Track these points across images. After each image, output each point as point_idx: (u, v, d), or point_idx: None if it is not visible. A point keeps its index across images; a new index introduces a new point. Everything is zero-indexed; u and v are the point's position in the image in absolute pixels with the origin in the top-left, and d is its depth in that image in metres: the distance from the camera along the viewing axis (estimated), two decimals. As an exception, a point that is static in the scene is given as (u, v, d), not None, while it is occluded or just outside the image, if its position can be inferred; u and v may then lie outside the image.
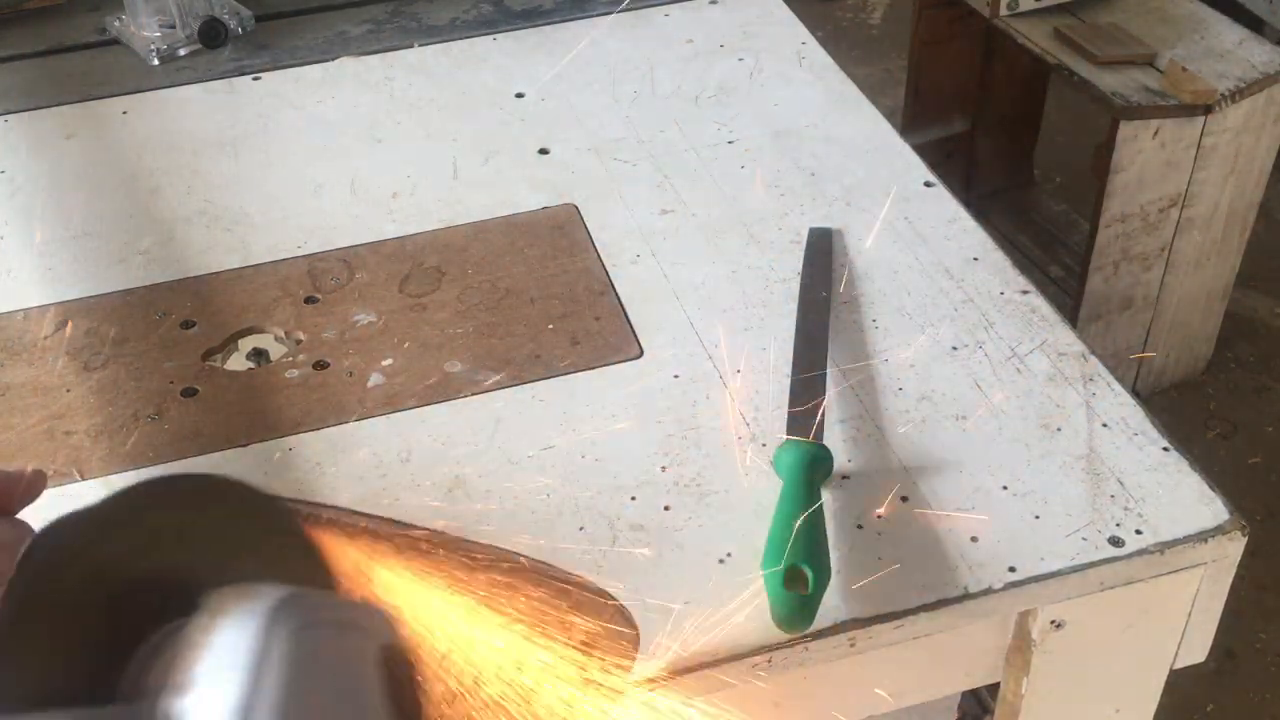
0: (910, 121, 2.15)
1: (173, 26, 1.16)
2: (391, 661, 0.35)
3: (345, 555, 0.41)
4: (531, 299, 0.84)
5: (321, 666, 0.32)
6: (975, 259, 0.87)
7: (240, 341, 0.82)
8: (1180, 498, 0.68)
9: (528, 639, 0.53)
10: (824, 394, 0.75)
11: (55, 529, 0.32)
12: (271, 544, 0.37)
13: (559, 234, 0.91)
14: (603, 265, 0.87)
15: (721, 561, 0.66)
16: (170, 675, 0.31)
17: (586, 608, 0.52)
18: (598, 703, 0.55)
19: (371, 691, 0.33)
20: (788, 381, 0.77)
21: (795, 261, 0.87)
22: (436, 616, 0.48)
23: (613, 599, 0.53)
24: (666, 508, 0.69)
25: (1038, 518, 0.68)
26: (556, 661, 0.53)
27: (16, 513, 0.49)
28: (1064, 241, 2.18)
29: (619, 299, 0.84)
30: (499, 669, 0.50)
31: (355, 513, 0.39)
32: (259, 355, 0.81)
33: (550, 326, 0.82)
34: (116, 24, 1.17)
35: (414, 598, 0.47)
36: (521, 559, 0.49)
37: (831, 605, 0.63)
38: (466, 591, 0.50)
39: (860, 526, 0.67)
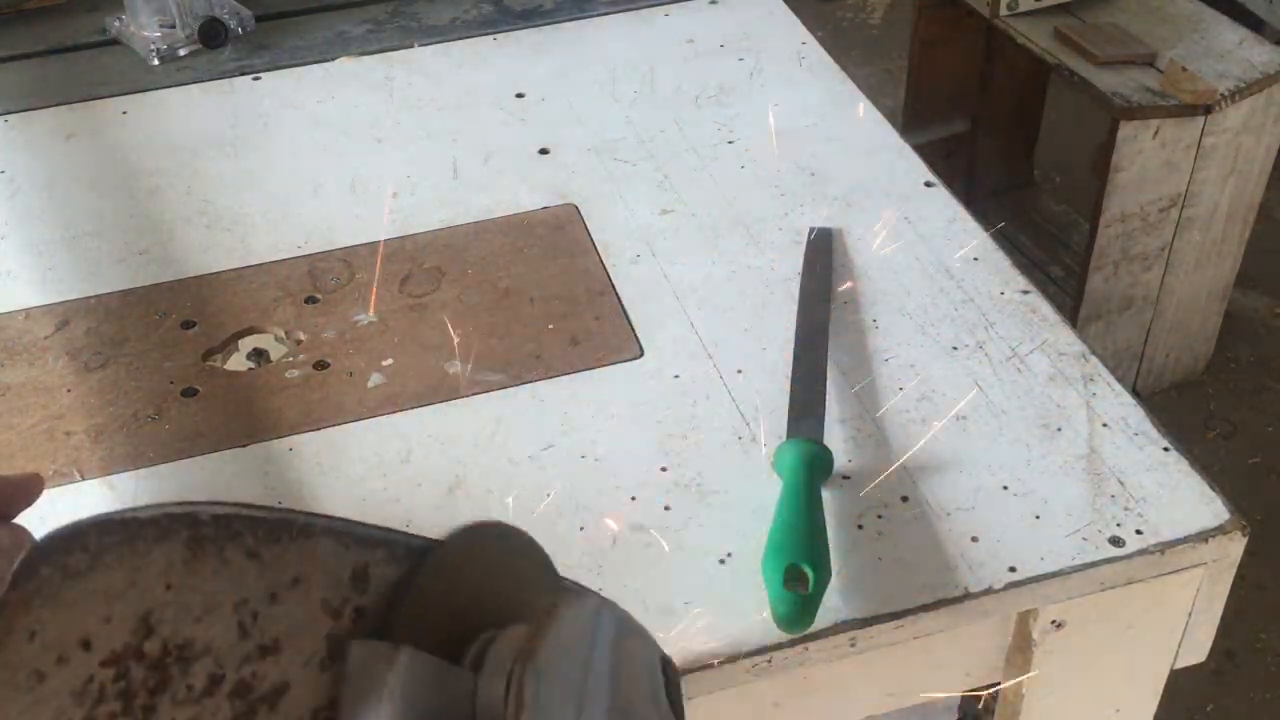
0: (910, 121, 2.15)
1: (173, 26, 1.16)
2: (666, 664, 0.40)
3: None
4: (531, 299, 0.84)
5: (632, 654, 0.37)
6: (975, 259, 0.87)
7: (240, 341, 0.82)
8: (1180, 498, 0.68)
9: None
10: (824, 394, 0.75)
11: (419, 554, 0.39)
12: (541, 578, 0.44)
13: (559, 234, 0.91)
14: (603, 265, 0.87)
15: (721, 561, 0.66)
16: (515, 650, 0.36)
17: None
18: None
19: (661, 689, 0.39)
20: (788, 381, 0.77)
21: (795, 261, 0.87)
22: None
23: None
24: (666, 508, 0.69)
25: (1038, 518, 0.68)
26: None
27: (14, 518, 0.49)
28: (1064, 241, 2.18)
29: (619, 299, 0.84)
30: None
31: (350, 521, 0.39)
32: (259, 355, 0.81)
33: (550, 326, 0.82)
34: (116, 24, 1.18)
35: None
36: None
37: (831, 605, 0.63)
38: None
39: (860, 526, 0.67)
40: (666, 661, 0.40)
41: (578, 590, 0.45)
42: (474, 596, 0.41)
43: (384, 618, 0.38)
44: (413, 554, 0.41)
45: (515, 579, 0.43)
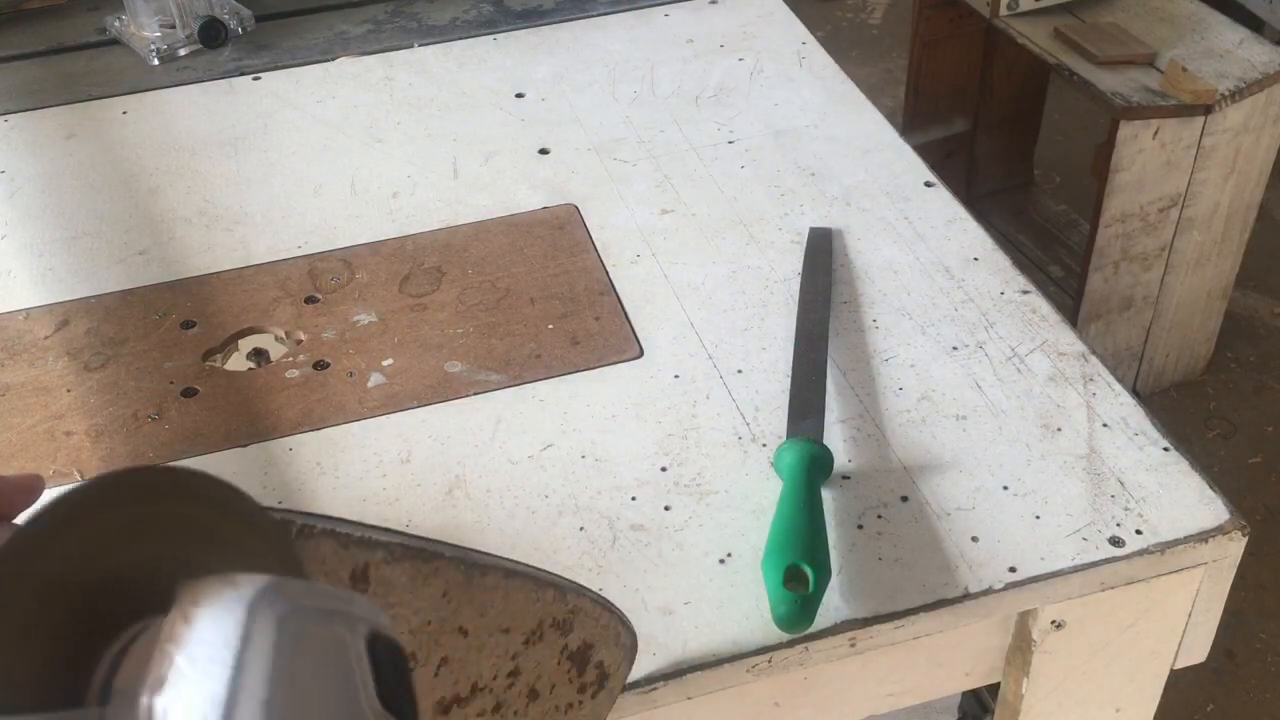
0: (910, 121, 2.15)
1: (173, 26, 1.16)
2: (380, 650, 0.33)
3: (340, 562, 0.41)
4: (531, 299, 0.84)
5: (308, 654, 0.30)
6: (975, 259, 0.87)
7: (240, 341, 0.82)
8: (1180, 498, 0.69)
9: (524, 646, 0.53)
10: (824, 394, 0.75)
11: (17, 530, 0.30)
12: (242, 538, 0.35)
13: (559, 234, 0.91)
14: (603, 265, 0.87)
15: (721, 561, 0.66)
16: (144, 673, 0.29)
17: (584, 615, 0.52)
18: (594, 710, 0.55)
19: (361, 680, 0.32)
20: (788, 381, 0.77)
21: (795, 261, 0.87)
22: (434, 621, 0.48)
23: (614, 608, 0.53)
24: (666, 508, 0.69)
25: (1038, 518, 0.68)
26: (552, 670, 0.53)
27: (14, 518, 0.49)
28: (1064, 241, 2.18)
29: (619, 299, 0.84)
30: (494, 677, 0.50)
31: (348, 521, 0.39)
32: (259, 355, 0.81)
33: (550, 326, 0.82)
34: (116, 24, 1.18)
35: (411, 603, 0.47)
36: (521, 565, 0.50)
37: (831, 605, 0.63)
38: (464, 597, 0.50)
39: (860, 526, 0.67)
40: (378, 644, 0.32)
41: (260, 566, 0.34)
42: (107, 577, 0.32)
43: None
44: (412, 554, 0.41)
45: (179, 543, 0.33)
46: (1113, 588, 0.66)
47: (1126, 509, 0.68)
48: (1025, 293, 0.83)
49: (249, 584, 0.30)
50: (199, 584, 0.30)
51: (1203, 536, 0.66)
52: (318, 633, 0.30)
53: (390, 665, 0.32)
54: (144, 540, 0.32)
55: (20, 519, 0.33)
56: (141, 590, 0.31)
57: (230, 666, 0.28)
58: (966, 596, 0.64)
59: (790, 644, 0.62)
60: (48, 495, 0.50)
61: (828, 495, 0.69)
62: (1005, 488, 0.70)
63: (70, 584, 0.30)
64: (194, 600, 0.29)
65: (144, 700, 0.28)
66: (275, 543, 0.36)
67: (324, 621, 0.31)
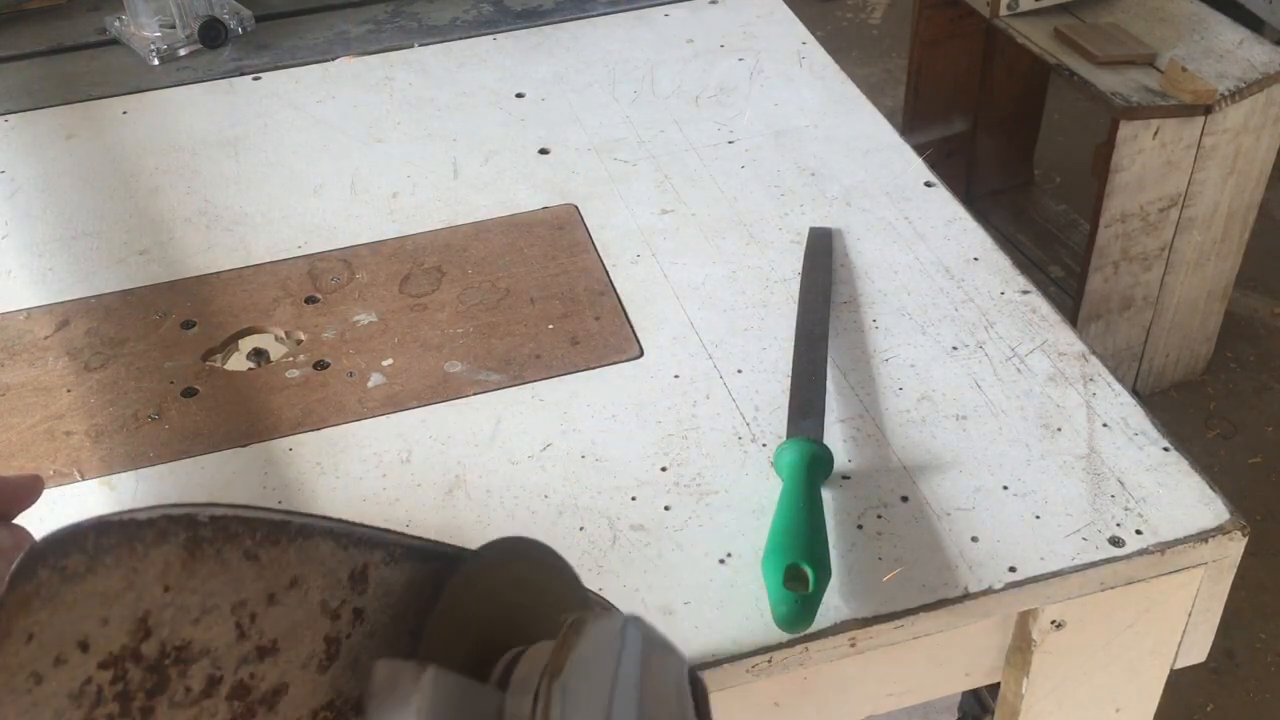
0: (910, 121, 2.15)
1: (173, 26, 1.16)
2: (695, 681, 0.40)
3: None
4: (531, 299, 0.84)
5: (659, 672, 0.37)
6: (975, 259, 0.87)
7: (240, 341, 0.82)
8: (1180, 498, 0.69)
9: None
10: (824, 394, 0.75)
11: (456, 577, 0.40)
12: (570, 593, 0.45)
13: (559, 234, 0.91)
14: (603, 265, 0.87)
15: (721, 561, 0.66)
16: (535, 671, 0.37)
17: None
18: None
19: (689, 707, 0.39)
20: (788, 381, 0.77)
21: (795, 261, 0.87)
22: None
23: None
24: (666, 508, 0.69)
25: (1038, 518, 0.68)
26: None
27: (14, 518, 0.49)
28: (1064, 241, 2.18)
29: (619, 299, 0.84)
30: None
31: (348, 522, 0.39)
32: (259, 355, 0.81)
33: (550, 326, 0.82)
34: (116, 24, 1.18)
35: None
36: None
37: (831, 605, 0.63)
38: None
39: (860, 526, 0.67)
40: (695, 678, 0.40)
41: (605, 606, 0.45)
42: (501, 613, 0.41)
43: (412, 634, 0.38)
44: (412, 555, 0.41)
45: (542, 595, 0.43)
46: (1113, 588, 0.66)
47: (1126, 509, 0.68)
48: (1025, 293, 0.83)
49: (619, 613, 0.40)
50: (583, 611, 0.40)
51: (1203, 536, 0.66)
52: (663, 657, 0.38)
53: (701, 696, 0.40)
54: (519, 590, 0.42)
55: (46, 524, 0.35)
56: (521, 625, 0.41)
57: (613, 662, 0.36)
58: (966, 596, 0.64)
59: (790, 644, 0.62)
60: (48, 495, 0.50)
61: (828, 495, 0.69)
62: (1005, 488, 0.70)
63: (484, 608, 0.41)
64: (582, 618, 0.37)
65: (543, 683, 0.35)
66: (585, 598, 0.46)
67: (667, 650, 0.39)
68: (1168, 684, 0.74)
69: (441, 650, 0.38)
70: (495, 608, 0.41)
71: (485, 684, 0.39)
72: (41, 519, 0.44)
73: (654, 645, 0.38)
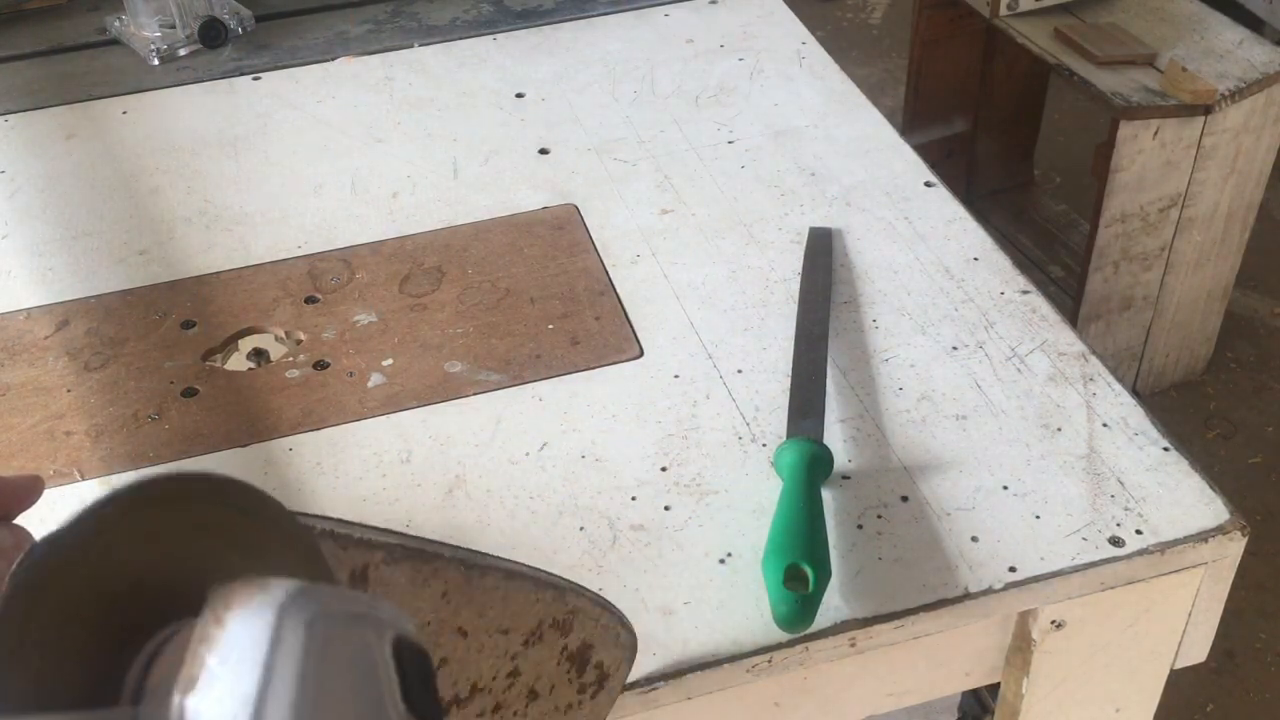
0: (910, 121, 2.15)
1: (173, 26, 1.16)
2: (405, 654, 0.33)
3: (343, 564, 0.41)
4: (531, 299, 0.84)
5: (336, 658, 0.31)
6: (975, 259, 0.87)
7: (240, 341, 0.82)
8: (1180, 498, 0.69)
9: (524, 647, 0.53)
10: (824, 394, 0.75)
11: (55, 533, 0.31)
12: (270, 542, 0.36)
13: (559, 234, 0.91)
14: (603, 265, 0.87)
15: (721, 561, 0.66)
16: (176, 674, 0.30)
17: (584, 616, 0.52)
18: (593, 710, 0.55)
19: (387, 684, 0.32)
20: (788, 381, 0.77)
21: (795, 261, 0.87)
22: (433, 622, 0.48)
23: (614, 608, 0.53)
24: (666, 508, 0.69)
25: (1038, 518, 0.68)
26: (552, 671, 0.53)
27: (14, 518, 0.49)
28: (1064, 241, 2.18)
29: (619, 299, 0.84)
30: (494, 678, 0.50)
31: (348, 522, 0.39)
32: (259, 355, 0.81)
33: (550, 326, 0.82)
34: (116, 24, 1.18)
35: (411, 604, 0.47)
36: (521, 566, 0.50)
37: (831, 605, 0.63)
38: (463, 598, 0.50)
39: (860, 526, 0.67)
40: (404, 648, 0.33)
41: (288, 570, 0.35)
42: (142, 577, 0.33)
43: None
44: (412, 555, 0.40)
45: (204, 552, 0.34)
46: (1113, 588, 0.66)
47: (1126, 509, 0.68)
48: (1025, 293, 0.83)
49: (279, 588, 0.31)
50: (231, 587, 0.31)
51: (1203, 536, 0.66)
52: (345, 636, 0.31)
53: (415, 669, 0.33)
54: (175, 545, 0.33)
55: (46, 524, 0.33)
56: (173, 594, 0.32)
57: (261, 668, 0.29)
58: (966, 596, 0.64)
59: (790, 644, 0.62)
60: (48, 495, 0.50)
61: (828, 495, 0.69)
62: (1005, 488, 0.70)
63: (103, 588, 0.31)
64: (225, 603, 0.30)
65: (176, 699, 0.28)
66: (303, 548, 0.36)
67: (351, 625, 0.32)
68: (1168, 684, 0.74)
69: (50, 643, 0.30)
70: (127, 575, 0.32)
71: (118, 697, 0.32)
72: (42, 519, 0.44)
73: (333, 620, 0.31)
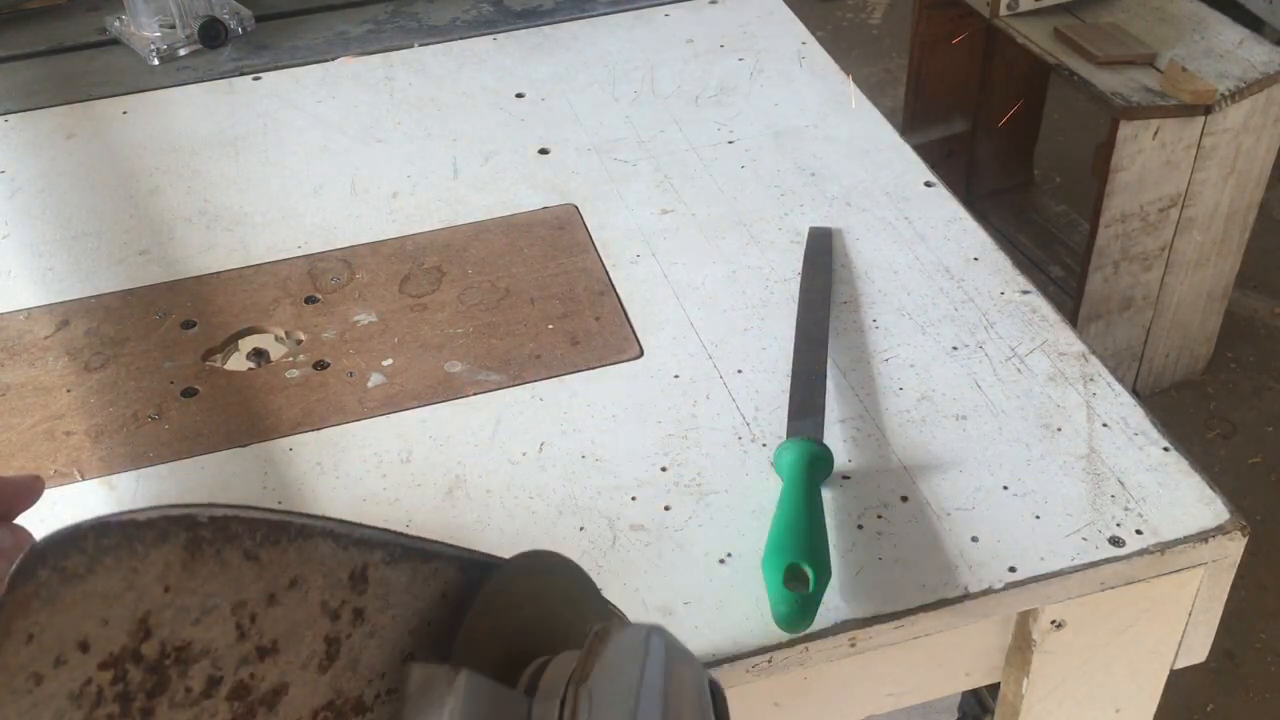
0: (910, 121, 2.15)
1: (173, 26, 1.16)
2: (715, 690, 0.41)
3: None
4: (531, 299, 0.84)
5: (681, 678, 0.39)
6: (975, 259, 0.87)
7: (240, 341, 0.82)
8: (1180, 498, 0.69)
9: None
10: (824, 394, 0.75)
11: (489, 584, 0.42)
12: (599, 603, 0.47)
13: (559, 234, 0.91)
14: (603, 265, 0.87)
15: (721, 561, 0.66)
16: (563, 677, 0.38)
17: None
18: None
19: (708, 706, 0.40)
20: (788, 381, 0.77)
21: (795, 261, 0.87)
22: (433, 622, 0.48)
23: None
24: (666, 508, 0.69)
25: (1038, 518, 0.68)
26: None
27: (14, 518, 0.49)
28: (1064, 241, 2.18)
29: (619, 299, 0.84)
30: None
31: (348, 523, 0.39)
32: (259, 355, 0.81)
33: (550, 326, 0.82)
34: (116, 24, 1.18)
35: (411, 602, 0.47)
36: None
37: (831, 605, 0.63)
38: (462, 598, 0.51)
39: (860, 526, 0.67)
40: (714, 685, 0.41)
41: (623, 619, 0.47)
42: (529, 622, 0.43)
43: (445, 641, 0.40)
44: (412, 555, 0.41)
45: (568, 607, 0.44)
46: (1113, 588, 0.66)
47: (1126, 509, 0.68)
48: (1025, 293, 0.83)
49: (641, 625, 0.40)
50: (608, 620, 0.41)
51: (1203, 536, 0.66)
52: (684, 664, 0.39)
53: (722, 704, 0.42)
54: (546, 601, 0.44)
55: (46, 524, 0.35)
56: (540, 636, 0.42)
57: (638, 670, 0.37)
58: (966, 596, 0.64)
59: (790, 644, 0.62)
60: (48, 495, 0.50)
61: (828, 495, 0.69)
62: (1005, 488, 0.70)
63: (510, 618, 0.42)
64: (607, 629, 0.39)
65: (570, 689, 0.36)
66: (610, 612, 0.48)
67: (687, 660, 0.40)
68: (1168, 684, 0.74)
69: (473, 656, 0.39)
70: (524, 617, 0.42)
71: (514, 690, 0.40)
72: (42, 519, 0.44)
73: (676, 654, 0.39)
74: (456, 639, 0.39)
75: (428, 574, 0.41)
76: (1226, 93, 1.63)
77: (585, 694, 0.36)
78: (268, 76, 1.12)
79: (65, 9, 1.23)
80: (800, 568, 0.61)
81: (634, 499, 0.70)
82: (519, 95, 1.08)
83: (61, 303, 0.86)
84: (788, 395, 0.76)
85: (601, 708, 0.36)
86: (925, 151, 0.99)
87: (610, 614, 0.47)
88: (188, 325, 0.83)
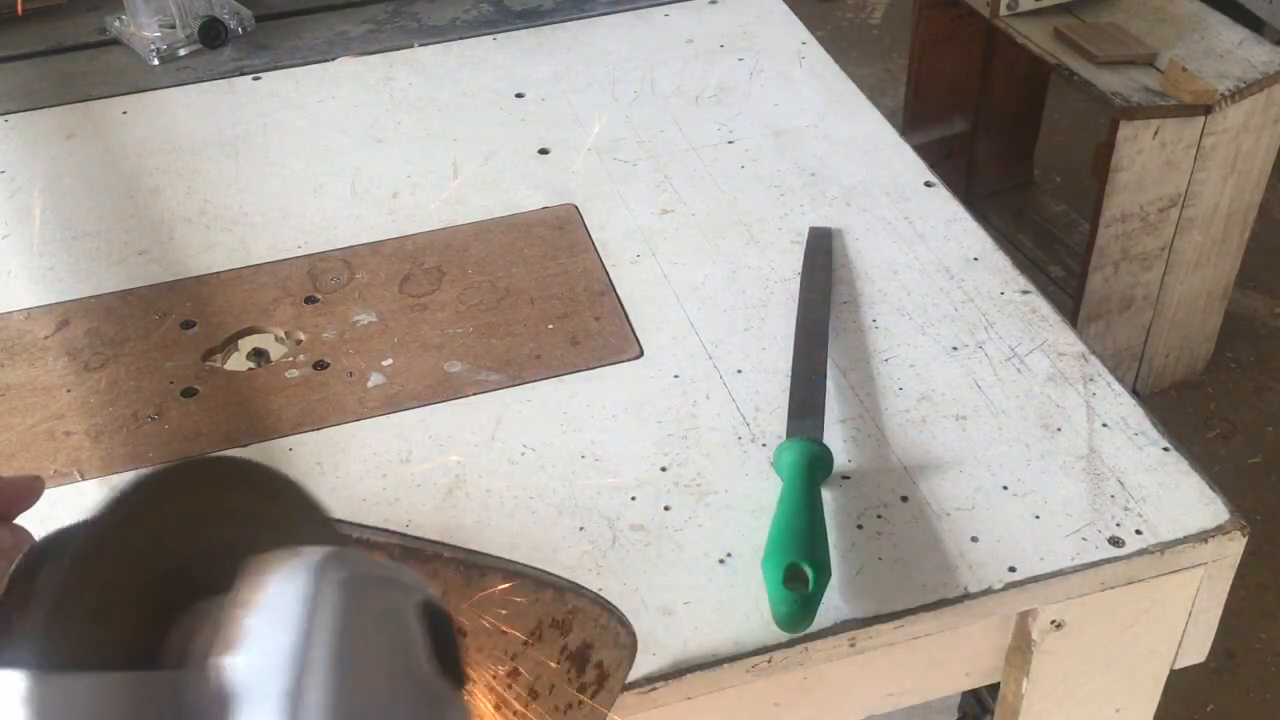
0: (910, 121, 2.15)
1: (173, 26, 1.16)
2: (431, 616, 0.35)
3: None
4: (531, 299, 0.84)
5: (368, 616, 0.32)
6: (975, 259, 0.87)
7: (240, 341, 0.82)
8: (1180, 498, 0.68)
9: (523, 647, 0.53)
10: (824, 394, 0.75)
11: (93, 518, 0.32)
12: (295, 519, 0.38)
13: (559, 234, 0.91)
14: (603, 265, 0.87)
15: (721, 561, 0.66)
16: (215, 638, 0.31)
17: (584, 616, 0.52)
18: (593, 710, 0.55)
19: (415, 642, 0.34)
20: (788, 381, 0.77)
21: (795, 261, 0.87)
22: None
23: (614, 608, 0.53)
24: (666, 508, 0.69)
25: (1038, 518, 0.68)
26: (552, 670, 0.53)
27: (14, 518, 0.49)
28: (1064, 241, 2.18)
29: (619, 299, 0.84)
30: (494, 677, 0.50)
31: (348, 523, 0.39)
32: (259, 355, 0.81)
33: (550, 326, 0.82)
34: (116, 24, 1.18)
35: None
36: (521, 566, 0.50)
37: (831, 605, 0.63)
38: (463, 598, 0.50)
39: (860, 526, 0.67)
40: (431, 612, 0.35)
41: (312, 544, 0.36)
42: (177, 555, 0.35)
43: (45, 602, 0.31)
44: (412, 554, 0.40)
45: (233, 532, 0.36)
46: (1113, 588, 0.66)
47: (1126, 509, 0.68)
48: (1025, 293, 0.83)
49: (312, 554, 0.33)
50: (266, 556, 0.33)
51: (1203, 536, 0.66)
52: (375, 597, 0.33)
53: (440, 630, 0.34)
54: (206, 526, 0.35)
55: (46, 524, 0.34)
56: (207, 572, 0.34)
57: (301, 621, 0.30)
58: (966, 596, 0.64)
59: (790, 644, 0.62)
60: (48, 495, 0.50)
61: (828, 495, 0.69)
62: (1005, 488, 0.70)
63: (141, 566, 0.33)
64: (262, 569, 0.32)
65: (217, 660, 0.30)
66: (322, 523, 0.39)
67: (381, 588, 0.33)
68: (1168, 684, 0.74)
69: (98, 609, 0.32)
70: (163, 554, 0.34)
71: (160, 661, 0.33)
72: (42, 519, 0.44)
73: (362, 587, 0.33)
74: (53, 608, 0.31)
75: (427, 574, 0.41)
76: (1226, 93, 1.63)
77: (233, 668, 0.30)
78: (268, 76, 1.12)
79: (65, 9, 1.23)
80: (800, 568, 0.61)
81: (634, 499, 0.70)
82: (519, 95, 1.08)
83: (61, 303, 0.86)
84: (788, 395, 0.76)
85: (254, 678, 0.30)
86: (925, 151, 0.99)
87: (294, 535, 0.36)
88: (188, 325, 0.83)
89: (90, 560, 0.32)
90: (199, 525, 0.35)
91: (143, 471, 0.34)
